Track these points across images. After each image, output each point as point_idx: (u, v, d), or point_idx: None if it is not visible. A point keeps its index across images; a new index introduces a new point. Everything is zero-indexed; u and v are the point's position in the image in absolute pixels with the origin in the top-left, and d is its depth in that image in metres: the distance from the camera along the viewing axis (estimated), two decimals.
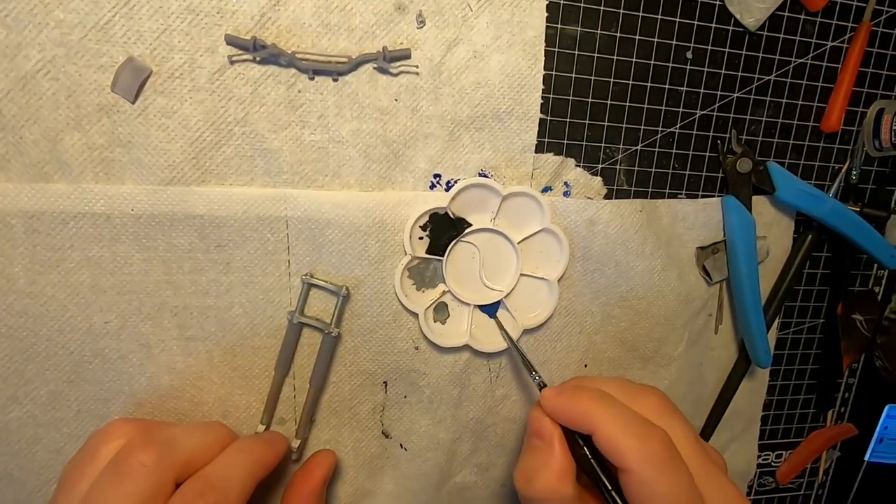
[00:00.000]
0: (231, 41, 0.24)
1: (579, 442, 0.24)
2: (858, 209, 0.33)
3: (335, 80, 0.26)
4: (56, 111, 0.23)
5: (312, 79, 0.25)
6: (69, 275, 0.25)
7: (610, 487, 0.22)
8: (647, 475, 0.21)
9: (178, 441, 0.22)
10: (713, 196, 0.32)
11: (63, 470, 0.22)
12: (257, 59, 0.25)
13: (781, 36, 0.31)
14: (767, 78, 0.31)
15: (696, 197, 0.32)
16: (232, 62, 0.24)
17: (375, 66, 0.26)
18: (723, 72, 0.31)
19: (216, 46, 0.24)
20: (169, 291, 0.26)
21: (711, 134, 0.31)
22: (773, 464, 0.39)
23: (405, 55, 0.26)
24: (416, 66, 0.26)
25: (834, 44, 0.32)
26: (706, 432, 0.36)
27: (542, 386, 0.26)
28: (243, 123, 0.25)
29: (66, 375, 0.26)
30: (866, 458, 0.40)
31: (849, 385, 0.38)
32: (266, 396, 0.28)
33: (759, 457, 0.38)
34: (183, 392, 0.27)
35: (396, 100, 0.27)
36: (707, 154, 0.32)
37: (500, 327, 0.29)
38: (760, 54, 0.31)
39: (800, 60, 0.31)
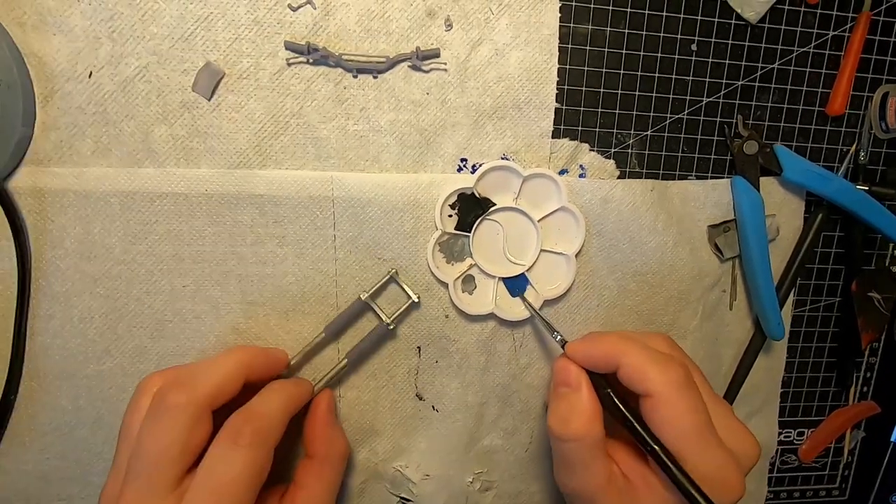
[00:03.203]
0: (289, 46, 0.29)
1: (603, 382, 0.27)
2: (867, 188, 0.34)
3: (375, 78, 0.30)
4: (148, 108, 0.28)
5: (356, 77, 0.30)
6: (155, 245, 0.30)
7: (632, 419, 0.25)
8: (669, 396, 0.24)
9: (201, 375, 0.25)
10: (722, 177, 0.35)
11: (120, 427, 0.26)
12: (310, 60, 0.29)
13: (783, 27, 0.33)
14: (771, 66, 0.34)
15: (705, 178, 0.34)
16: (289, 64, 0.29)
17: (409, 64, 0.30)
18: (727, 62, 0.33)
19: (276, 51, 0.29)
20: (234, 261, 0.30)
21: (718, 119, 0.34)
22: (795, 441, 0.40)
23: (435, 54, 0.30)
24: (445, 64, 0.30)
25: (835, 33, 0.34)
26: None
27: (563, 343, 0.29)
28: (298, 116, 0.30)
29: (149, 332, 0.30)
30: (893, 438, 0.40)
31: (870, 364, 0.39)
32: (306, 347, 0.31)
33: (780, 434, 0.39)
34: None
35: (428, 93, 0.30)
36: (715, 138, 0.34)
37: (523, 298, 0.32)
38: (763, 45, 0.33)
39: (802, 49, 0.34)
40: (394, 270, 0.31)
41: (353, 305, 0.31)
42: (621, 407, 0.26)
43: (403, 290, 0.32)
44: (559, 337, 0.30)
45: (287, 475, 0.31)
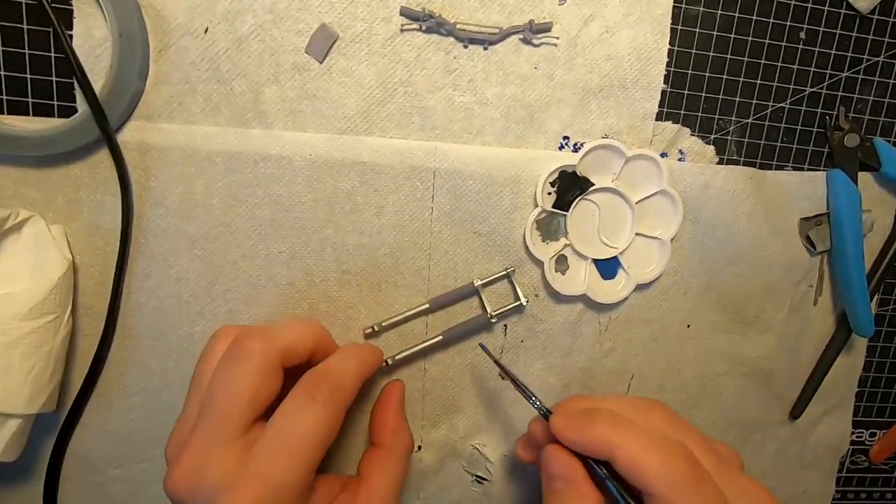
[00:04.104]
0: (404, 12, 0.28)
1: (597, 470, 0.23)
2: None
3: (485, 49, 0.29)
4: (261, 67, 0.28)
5: (466, 47, 0.29)
6: (254, 209, 0.29)
7: None
8: (674, 498, 0.21)
9: (280, 331, 0.25)
10: (819, 170, 0.34)
11: (192, 376, 0.26)
12: (423, 28, 0.29)
13: (891, 20, 0.33)
14: (876, 59, 0.33)
15: (801, 170, 0.34)
16: (402, 30, 0.28)
17: (521, 37, 0.29)
18: (833, 52, 0.33)
19: (391, 16, 0.28)
20: (331, 229, 0.30)
21: (819, 110, 0.33)
22: (866, 442, 0.39)
23: (547, 28, 0.29)
24: (557, 38, 0.30)
25: None
26: (800, 403, 0.37)
27: (545, 413, 0.26)
28: (406, 84, 0.29)
29: (243, 297, 0.30)
30: None
31: None
32: (407, 312, 0.31)
33: (852, 433, 0.39)
34: (335, 318, 0.31)
35: (536, 68, 0.30)
36: (814, 129, 0.34)
37: (487, 352, 0.30)
38: (870, 36, 0.33)
39: None
40: (511, 269, 0.31)
41: (463, 288, 0.31)
42: (624, 497, 0.22)
43: (515, 290, 0.32)
44: (539, 405, 0.26)
45: (347, 465, 0.31)
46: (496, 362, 0.29)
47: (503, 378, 0.32)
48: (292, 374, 0.25)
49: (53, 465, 0.30)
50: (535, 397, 0.27)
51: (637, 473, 0.21)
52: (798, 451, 0.38)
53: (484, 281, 0.31)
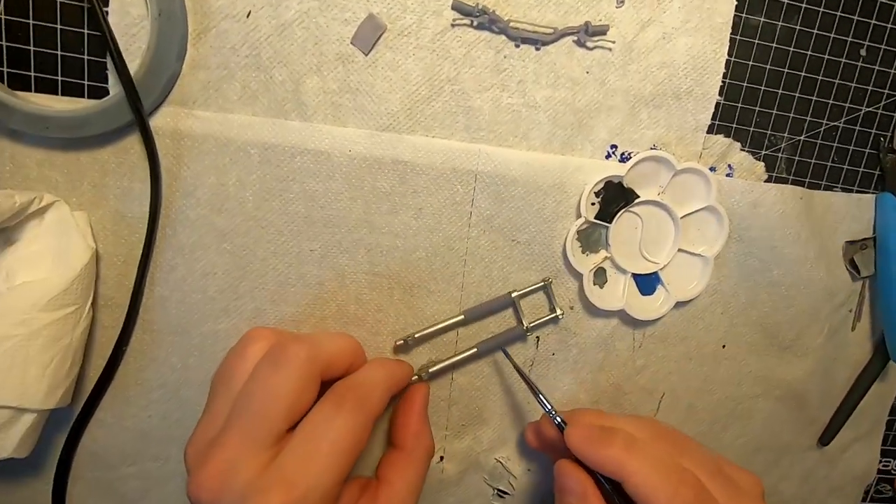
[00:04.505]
0: (456, 6, 0.27)
1: (607, 488, 0.24)
2: None
3: (537, 49, 0.28)
4: (303, 56, 0.26)
5: (518, 46, 0.28)
6: (288, 204, 0.28)
7: None
8: None
9: (322, 342, 0.25)
10: (867, 192, 0.33)
11: (214, 377, 0.25)
12: (474, 23, 0.27)
13: None
14: None
15: (850, 192, 0.33)
16: (453, 25, 0.27)
17: (575, 38, 0.28)
18: (893, 71, 0.31)
19: (442, 10, 0.27)
20: (365, 229, 0.29)
21: (874, 131, 0.32)
22: (893, 471, 0.38)
23: (603, 31, 0.28)
24: (612, 42, 0.28)
25: None
26: (831, 429, 0.36)
27: (560, 424, 0.26)
28: (454, 82, 0.28)
29: (270, 295, 0.29)
30: None
31: None
32: (440, 324, 0.30)
33: (880, 462, 0.38)
34: (364, 321, 0.30)
35: (588, 72, 0.29)
36: (867, 150, 0.32)
37: (509, 357, 0.30)
38: None
39: None
40: (550, 280, 0.30)
41: (499, 298, 0.30)
42: None
43: (552, 301, 0.31)
44: (554, 415, 0.27)
45: (364, 466, 0.30)
46: (516, 367, 0.29)
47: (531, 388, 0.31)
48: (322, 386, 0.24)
49: (64, 460, 0.29)
50: (552, 406, 0.27)
51: (646, 500, 0.22)
52: (825, 476, 0.37)
53: (521, 292, 0.30)
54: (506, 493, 0.34)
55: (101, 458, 0.29)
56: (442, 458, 0.32)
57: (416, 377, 0.29)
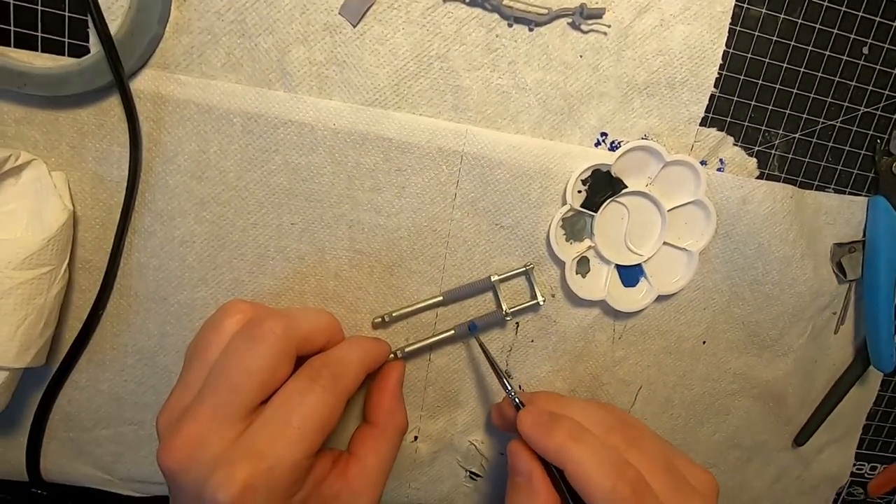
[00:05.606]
0: None
1: (553, 472, 0.24)
2: None
3: (531, 30, 0.27)
4: (290, 25, 0.26)
5: (511, 26, 0.27)
6: (270, 176, 0.28)
7: None
8: None
9: (299, 318, 0.25)
10: (860, 195, 0.33)
11: (189, 347, 0.25)
12: (468, 0, 0.27)
13: None
14: None
15: (843, 193, 0.32)
16: (445, 0, 0.26)
17: (570, 21, 0.27)
18: (894, 72, 0.31)
19: None
20: (348, 205, 0.29)
21: (871, 132, 0.32)
22: (866, 475, 0.39)
23: (599, 14, 0.27)
24: (608, 26, 0.28)
25: None
26: (807, 430, 0.36)
27: (518, 406, 0.27)
28: (443, 59, 0.27)
29: (249, 266, 0.29)
30: None
31: None
32: (418, 305, 0.30)
33: (854, 465, 0.38)
34: (343, 298, 0.30)
35: (581, 56, 0.28)
36: (862, 152, 0.32)
37: (475, 335, 0.30)
38: None
39: None
40: (532, 266, 0.30)
41: (479, 282, 0.30)
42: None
43: (533, 288, 0.30)
44: (513, 395, 0.27)
45: (337, 439, 0.30)
46: (481, 346, 0.29)
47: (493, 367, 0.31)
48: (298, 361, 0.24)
49: (39, 420, 0.29)
50: (511, 387, 0.28)
51: (584, 490, 0.22)
52: (797, 477, 0.38)
53: (502, 277, 0.30)
54: (478, 475, 0.34)
55: (75, 419, 0.30)
56: (416, 437, 0.33)
57: (393, 356, 0.30)
